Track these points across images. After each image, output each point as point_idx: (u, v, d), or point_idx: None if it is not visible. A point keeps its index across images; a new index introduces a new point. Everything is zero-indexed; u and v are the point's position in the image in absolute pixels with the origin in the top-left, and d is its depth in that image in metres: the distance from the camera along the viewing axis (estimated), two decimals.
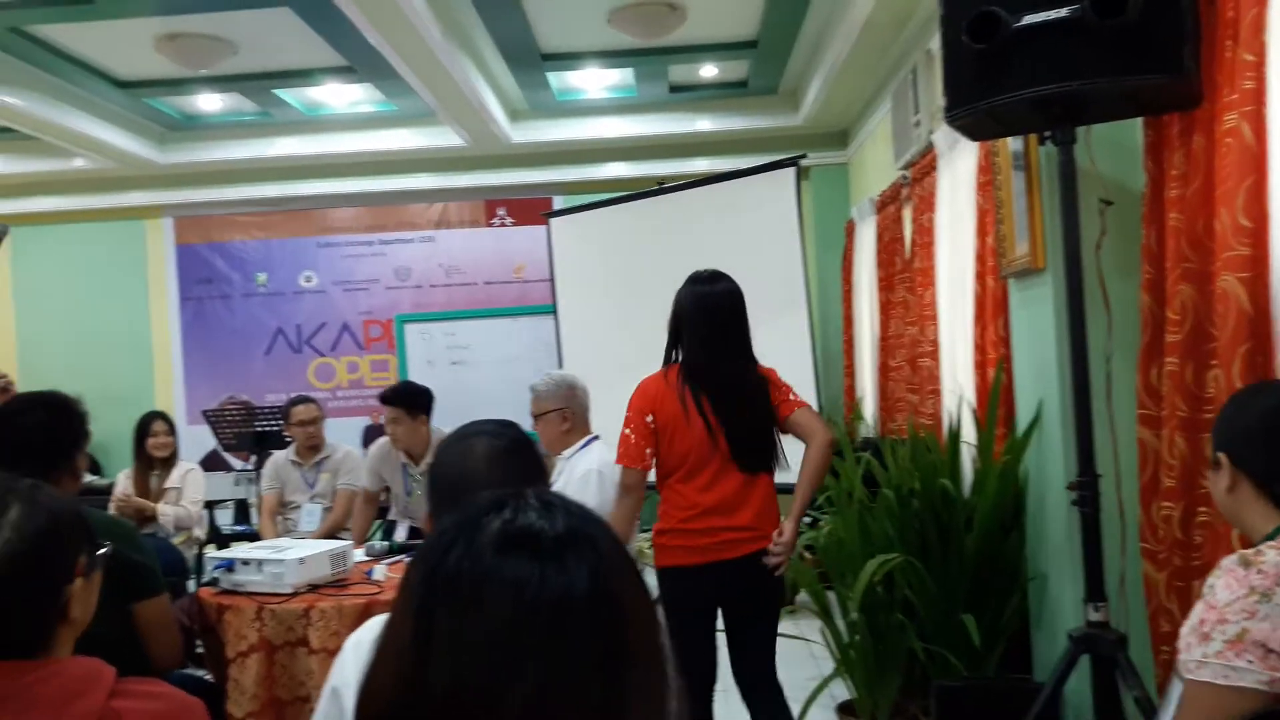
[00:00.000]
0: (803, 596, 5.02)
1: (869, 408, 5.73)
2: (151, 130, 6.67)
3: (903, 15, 4.65)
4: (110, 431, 6.79)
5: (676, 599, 2.77)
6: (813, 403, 5.22)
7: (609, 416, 5.66)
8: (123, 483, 5.20)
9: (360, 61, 5.50)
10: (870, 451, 3.88)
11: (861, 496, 3.29)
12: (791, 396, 2.84)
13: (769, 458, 2.82)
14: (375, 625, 1.33)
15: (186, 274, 7.39)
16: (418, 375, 6.76)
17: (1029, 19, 2.09)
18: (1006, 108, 2.19)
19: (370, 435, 7.23)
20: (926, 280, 4.41)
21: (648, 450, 2.78)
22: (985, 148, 3.35)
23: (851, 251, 6.34)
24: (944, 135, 4.03)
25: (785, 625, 3.31)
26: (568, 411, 3.21)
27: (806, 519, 3.97)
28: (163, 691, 1.30)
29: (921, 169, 4.52)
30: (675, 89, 6.51)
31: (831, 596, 3.41)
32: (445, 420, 4.80)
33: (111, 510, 4.92)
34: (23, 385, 6.92)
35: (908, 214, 4.88)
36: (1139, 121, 2.49)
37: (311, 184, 7.14)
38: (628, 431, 2.79)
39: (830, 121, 6.59)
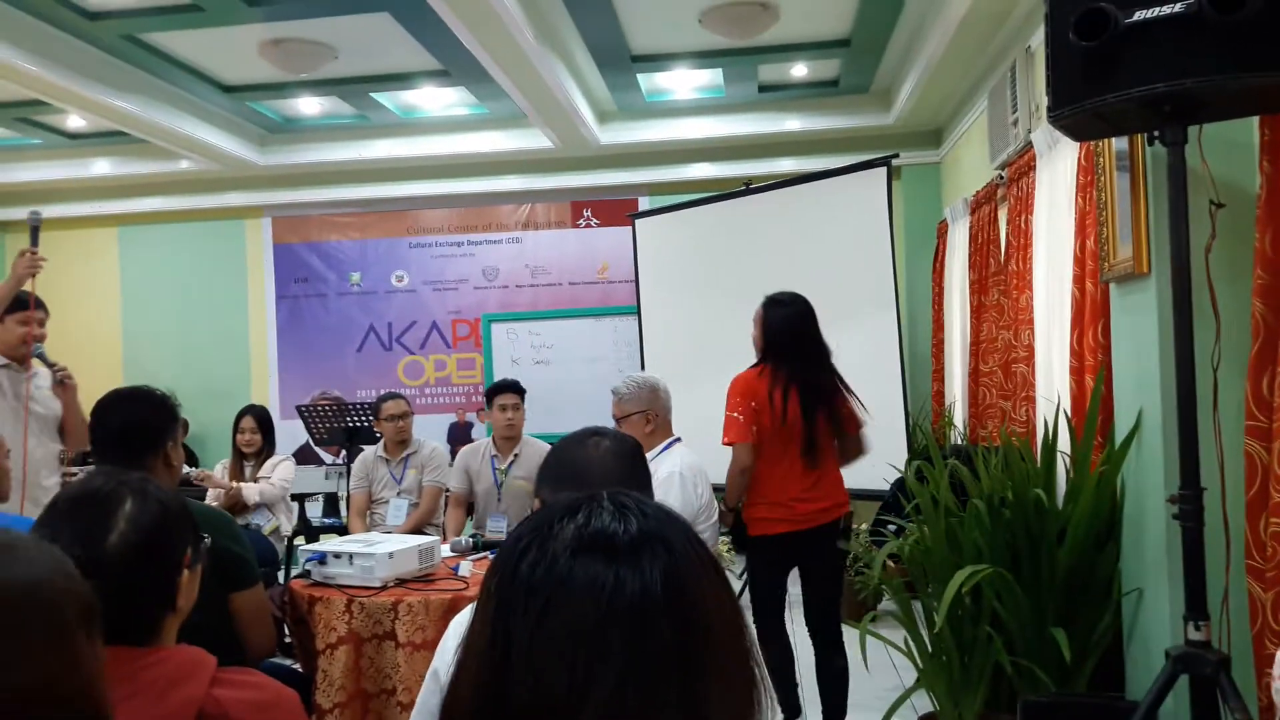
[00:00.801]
0: (886, 604, 4.94)
1: (958, 413, 5.61)
2: (253, 133, 6.90)
3: (1001, 12, 4.54)
4: (208, 424, 7.06)
5: (763, 562, 3.41)
6: (900, 405, 5.13)
7: (691, 415, 5.63)
8: (219, 473, 5.41)
9: (454, 65, 5.59)
10: (960, 459, 3.79)
11: (950, 505, 3.22)
12: (859, 414, 3.51)
13: (829, 453, 3.44)
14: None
15: (284, 272, 7.63)
16: (503, 374, 6.85)
17: (1141, 15, 2.01)
18: (1114, 107, 2.11)
19: (455, 433, 7.36)
20: (1022, 284, 4.29)
21: (753, 428, 3.32)
22: (1087, 147, 3.24)
23: (943, 253, 6.21)
24: (1043, 135, 3.92)
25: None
26: (651, 414, 3.22)
27: (891, 527, 3.93)
28: (260, 681, 1.34)
29: (1018, 169, 4.40)
30: (764, 89, 6.47)
31: (916, 606, 3.34)
32: (530, 418, 4.92)
33: (207, 496, 5.13)
34: (126, 377, 7.24)
35: (1003, 215, 4.76)
36: (1254, 120, 2.37)
37: (405, 185, 7.30)
38: (736, 415, 3.31)
39: (923, 120, 6.47)
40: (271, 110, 6.60)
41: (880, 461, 5.03)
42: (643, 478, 1.64)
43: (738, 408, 3.30)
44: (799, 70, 6.13)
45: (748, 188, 5.95)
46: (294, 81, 5.90)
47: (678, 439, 3.27)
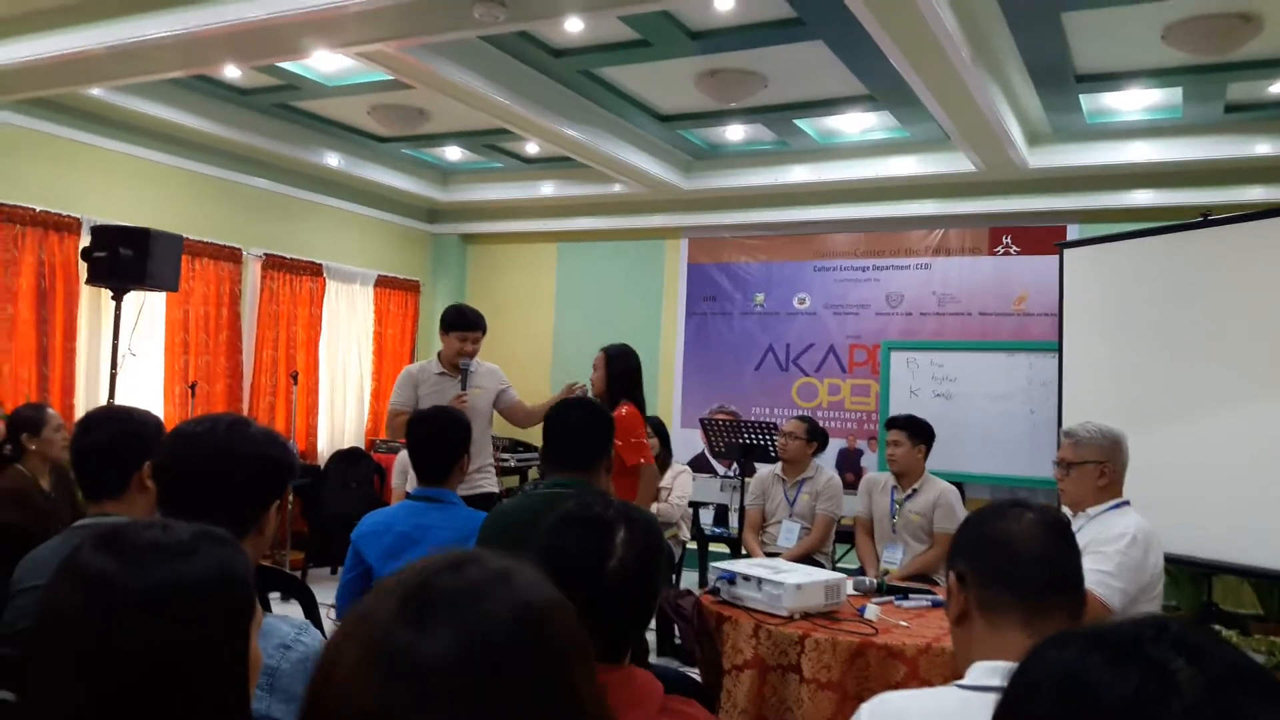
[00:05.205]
0: None
1: None
2: (680, 159, 7.30)
3: None
4: None
5: None
6: None
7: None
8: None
9: (880, 89, 5.53)
10: None
11: None
12: None
13: None
14: (897, 704, 1.28)
15: (695, 290, 8.00)
16: (899, 404, 6.66)
17: None
18: None
19: (844, 459, 7.26)
20: None
21: None
22: None
23: None
24: None
25: None
26: (1108, 467, 2.91)
27: None
28: (703, 717, 1.36)
29: None
30: (1231, 108, 5.70)
31: None
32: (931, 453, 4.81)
33: None
34: (553, 377, 8.00)
35: None
36: None
37: (815, 210, 7.33)
38: None
39: None
40: (699, 138, 6.95)
41: None
42: (1073, 556, 1.48)
43: None
44: (1279, 88, 5.32)
45: (1205, 219, 5.26)
46: (723, 110, 6.15)
47: (1127, 501, 2.93)
